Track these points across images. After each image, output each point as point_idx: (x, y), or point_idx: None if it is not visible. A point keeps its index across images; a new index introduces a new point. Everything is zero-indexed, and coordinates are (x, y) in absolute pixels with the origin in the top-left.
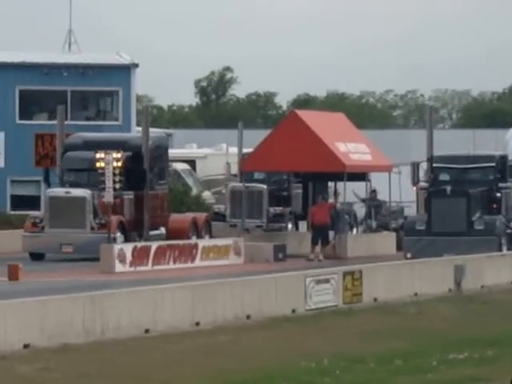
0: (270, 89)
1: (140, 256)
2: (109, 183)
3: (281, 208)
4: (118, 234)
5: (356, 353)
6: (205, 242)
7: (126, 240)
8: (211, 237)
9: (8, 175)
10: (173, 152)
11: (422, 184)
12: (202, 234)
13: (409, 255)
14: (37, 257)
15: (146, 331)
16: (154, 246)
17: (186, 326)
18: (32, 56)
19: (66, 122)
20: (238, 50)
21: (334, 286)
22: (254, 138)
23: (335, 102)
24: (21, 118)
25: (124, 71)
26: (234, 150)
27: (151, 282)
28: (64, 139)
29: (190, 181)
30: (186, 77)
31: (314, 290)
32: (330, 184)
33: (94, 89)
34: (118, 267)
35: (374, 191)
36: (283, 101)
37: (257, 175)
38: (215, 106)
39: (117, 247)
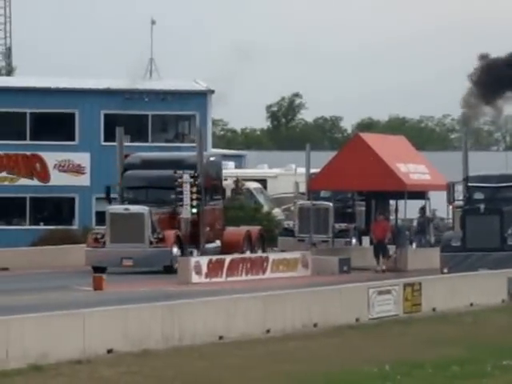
0: (336, 113)
1: (215, 268)
2: (186, 200)
3: (345, 224)
4: (175, 248)
5: (415, 359)
6: (275, 256)
7: (183, 253)
8: (264, 250)
9: (93, 193)
10: (245, 172)
11: (458, 203)
12: (255, 247)
13: (445, 270)
14: (99, 270)
15: (220, 338)
16: (228, 258)
17: (258, 333)
18: (116, 83)
19: (146, 144)
20: (306, 77)
21: (395, 297)
22: (321, 159)
23: (396, 126)
24: (105, 140)
25: (200, 97)
26: (302, 170)
27: (225, 292)
28: (123, 159)
29: (261, 198)
30: (258, 102)
31: (377, 301)
32: (392, 202)
33: (173, 113)
34: (195, 278)
35: (422, 208)
36: (348, 124)
37: (323, 193)
38: (285, 129)
39: (193, 260)
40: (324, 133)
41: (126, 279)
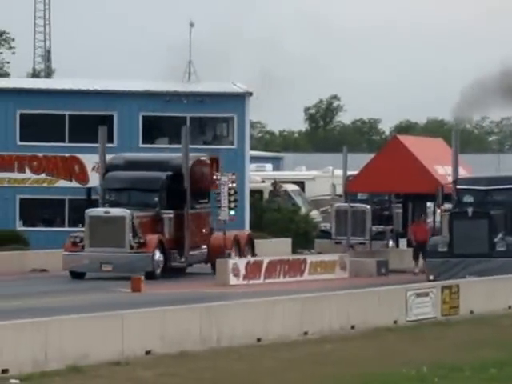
0: (374, 116)
1: (253, 270)
2: (224, 202)
3: (382, 226)
4: (157, 253)
5: (453, 361)
6: (313, 258)
7: (166, 259)
8: (253, 255)
9: None
10: (283, 174)
11: (446, 206)
12: (244, 252)
13: (431, 277)
14: (77, 275)
15: (258, 340)
16: (266, 260)
17: (295, 336)
18: (155, 85)
19: (181, 146)
20: (345, 79)
21: (432, 299)
22: (359, 161)
23: (434, 129)
24: (144, 142)
25: (239, 99)
26: (339, 172)
27: (263, 295)
28: (106, 160)
29: (299, 201)
30: (297, 104)
31: (415, 303)
32: (429, 204)
33: (211, 115)
34: (233, 280)
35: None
36: (386, 127)
37: (360, 196)
38: (323, 131)
39: (231, 262)
40: (362, 135)
41: (164, 281)
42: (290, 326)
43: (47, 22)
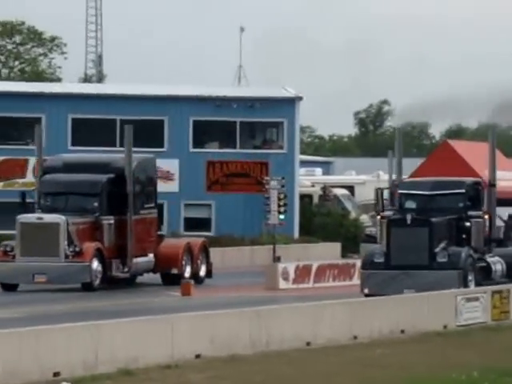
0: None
1: (302, 274)
2: (274, 206)
3: None
4: (95, 263)
5: (504, 366)
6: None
7: (105, 268)
8: (208, 263)
9: (182, 199)
10: (333, 178)
11: (386, 213)
12: (197, 261)
13: (366, 291)
14: (8, 288)
15: (308, 344)
16: (315, 264)
17: (345, 340)
18: (205, 90)
19: (234, 150)
20: (395, 84)
21: (483, 304)
22: (409, 165)
23: (485, 133)
24: (194, 147)
25: (289, 104)
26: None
27: (312, 299)
28: (43, 162)
29: (348, 205)
30: (346, 109)
31: (465, 308)
32: None
33: (261, 120)
34: (282, 284)
35: (510, 216)
36: (436, 131)
37: None
38: (373, 136)
39: (281, 266)
40: (412, 140)
41: (213, 285)
42: (340, 330)
43: (99, 28)
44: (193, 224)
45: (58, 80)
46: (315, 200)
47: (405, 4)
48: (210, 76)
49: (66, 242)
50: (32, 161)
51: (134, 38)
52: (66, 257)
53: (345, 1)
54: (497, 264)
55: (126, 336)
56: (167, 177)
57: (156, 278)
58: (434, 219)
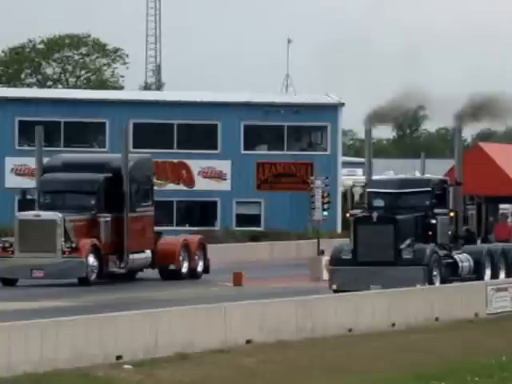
0: None
1: None
2: (318, 204)
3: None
4: (91, 258)
5: None
6: None
7: (101, 264)
8: (205, 259)
9: (234, 197)
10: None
11: (355, 211)
12: (195, 257)
13: (334, 287)
14: (8, 282)
15: (349, 330)
16: None
17: (384, 327)
18: (255, 96)
19: (282, 152)
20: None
21: (511, 294)
22: (443, 166)
23: None
24: (245, 149)
25: (332, 109)
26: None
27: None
28: (42, 161)
29: None
30: None
31: (494, 297)
32: (506, 206)
33: (307, 124)
34: (326, 275)
35: None
36: (468, 134)
37: None
38: (409, 139)
39: (324, 259)
40: (446, 142)
41: (262, 276)
42: (379, 318)
43: (158, 39)
44: (244, 220)
45: (121, 88)
46: (356, 198)
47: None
48: (260, 84)
49: (62, 239)
50: None
51: (189, 48)
52: (63, 253)
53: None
54: (464, 261)
55: (183, 323)
56: (220, 177)
57: (155, 273)
58: (399, 217)
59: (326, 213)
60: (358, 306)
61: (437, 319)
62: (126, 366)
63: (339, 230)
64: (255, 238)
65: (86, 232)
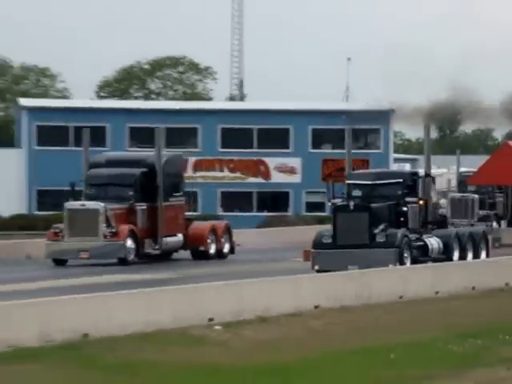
0: (489, 126)
1: None
2: None
3: (487, 211)
4: (129, 241)
5: None
6: None
7: (137, 246)
8: (231, 242)
9: (303, 188)
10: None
11: (336, 200)
12: (221, 240)
13: (316, 267)
14: (59, 262)
15: (400, 297)
16: None
17: (429, 294)
18: (321, 104)
19: (342, 151)
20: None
21: None
22: (477, 161)
23: None
24: (312, 148)
25: (384, 115)
26: (461, 169)
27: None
28: (89, 160)
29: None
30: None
31: None
32: None
33: (363, 127)
34: None
35: None
36: (498, 134)
37: (469, 188)
38: (449, 138)
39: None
40: (480, 141)
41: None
42: (425, 287)
43: (240, 53)
44: (311, 206)
45: (210, 99)
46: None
47: None
48: (324, 94)
49: (104, 225)
50: (190, 160)
51: (266, 64)
52: (105, 237)
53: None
54: (434, 243)
55: (263, 291)
56: (292, 171)
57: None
58: (373, 205)
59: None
60: (407, 277)
61: (473, 288)
62: (216, 327)
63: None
64: (321, 221)
65: (125, 219)
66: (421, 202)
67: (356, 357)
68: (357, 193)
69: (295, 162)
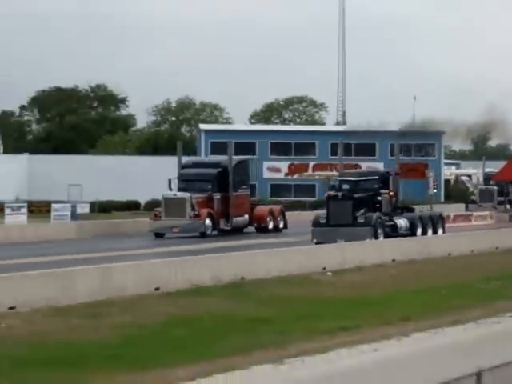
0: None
1: (446, 219)
2: (430, 185)
3: (503, 198)
4: (208, 221)
5: None
6: (476, 213)
7: (214, 224)
8: (285, 220)
9: None
10: (461, 172)
11: (330, 191)
12: (277, 220)
13: (315, 240)
14: (159, 236)
15: (449, 254)
16: (452, 214)
17: (467, 252)
18: (397, 127)
19: (410, 158)
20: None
21: None
22: (498, 165)
23: None
24: (390, 156)
25: (437, 134)
26: (488, 170)
27: (451, 230)
28: (182, 162)
29: (468, 184)
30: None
31: None
32: None
33: (423, 142)
34: None
35: None
36: None
37: (491, 182)
38: (480, 149)
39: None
40: (500, 151)
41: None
42: (465, 247)
43: (343, 87)
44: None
45: (323, 124)
46: (451, 182)
47: None
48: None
49: (190, 209)
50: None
51: (361, 91)
52: (190, 217)
53: None
54: (401, 223)
55: (358, 250)
56: None
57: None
58: (355, 195)
59: (435, 190)
60: (452, 241)
61: (497, 248)
62: (327, 273)
63: (442, 200)
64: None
65: (205, 205)
66: (391, 193)
67: (419, 292)
68: (345, 186)
69: (379, 166)
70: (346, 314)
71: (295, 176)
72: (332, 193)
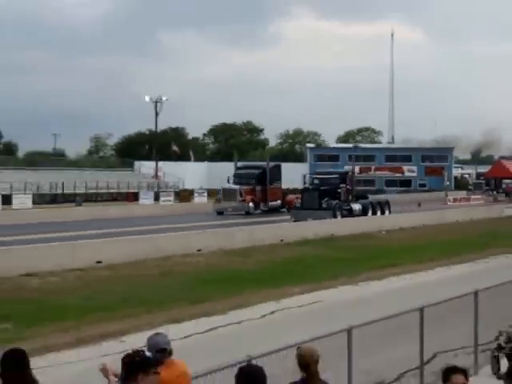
0: None
1: (455, 200)
2: (445, 179)
3: (488, 187)
4: (251, 204)
5: None
6: (472, 196)
7: (255, 206)
8: None
9: (416, 180)
10: (465, 171)
11: (305, 185)
12: None
13: (292, 219)
14: (219, 213)
15: (456, 220)
16: (459, 196)
17: (467, 219)
18: (431, 145)
19: (432, 164)
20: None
21: None
22: (488, 167)
23: None
24: (421, 162)
25: (449, 150)
26: (479, 170)
27: (467, 206)
28: (237, 166)
29: (470, 179)
30: None
31: None
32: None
33: (440, 154)
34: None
35: None
36: (496, 156)
37: (481, 178)
38: (476, 158)
39: (448, 198)
40: (489, 159)
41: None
42: (464, 216)
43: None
44: (420, 186)
45: (380, 143)
46: (458, 178)
47: None
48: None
49: (239, 195)
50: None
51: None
52: (239, 201)
53: None
54: (356, 207)
55: (400, 217)
56: (412, 171)
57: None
58: (322, 188)
59: (448, 183)
60: (471, 210)
61: (484, 218)
62: (382, 232)
63: (453, 188)
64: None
65: (249, 193)
66: (348, 187)
67: (438, 244)
68: (316, 181)
69: (414, 169)
70: (395, 256)
71: (362, 174)
72: (306, 186)
